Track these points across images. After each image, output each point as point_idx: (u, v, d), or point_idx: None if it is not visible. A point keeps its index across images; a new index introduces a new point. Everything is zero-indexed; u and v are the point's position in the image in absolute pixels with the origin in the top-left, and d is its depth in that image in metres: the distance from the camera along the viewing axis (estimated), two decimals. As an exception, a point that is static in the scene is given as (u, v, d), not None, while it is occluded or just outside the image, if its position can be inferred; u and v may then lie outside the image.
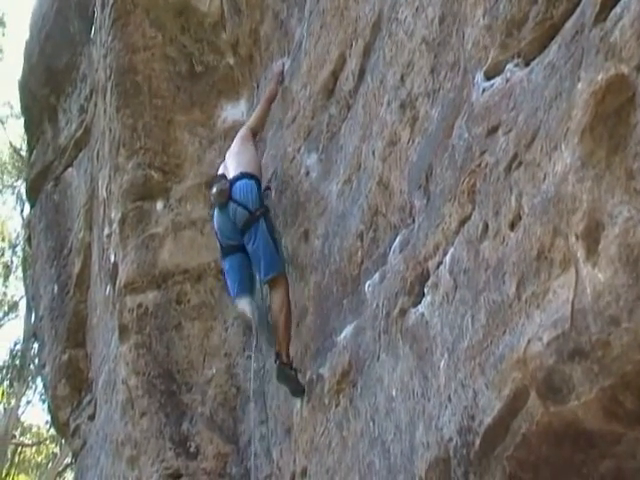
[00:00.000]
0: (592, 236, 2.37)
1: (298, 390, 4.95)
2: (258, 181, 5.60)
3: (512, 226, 2.79)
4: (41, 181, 11.06)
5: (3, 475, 20.91)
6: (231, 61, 7.30)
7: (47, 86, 10.77)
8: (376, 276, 3.99)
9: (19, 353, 21.88)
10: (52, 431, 19.12)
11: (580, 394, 2.42)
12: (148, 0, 7.65)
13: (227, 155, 6.08)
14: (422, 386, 3.32)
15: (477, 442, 2.87)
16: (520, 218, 2.74)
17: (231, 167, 5.77)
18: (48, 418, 16.33)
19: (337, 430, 4.26)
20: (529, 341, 2.58)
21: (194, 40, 7.56)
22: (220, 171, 6.00)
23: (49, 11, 10.43)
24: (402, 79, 3.91)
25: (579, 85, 2.46)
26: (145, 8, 7.65)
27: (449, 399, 3.07)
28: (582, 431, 2.53)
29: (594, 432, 2.52)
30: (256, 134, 6.20)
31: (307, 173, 5.21)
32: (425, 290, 3.42)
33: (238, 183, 5.54)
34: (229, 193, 5.51)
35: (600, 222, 2.34)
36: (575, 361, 2.41)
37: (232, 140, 6.38)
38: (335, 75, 4.90)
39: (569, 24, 2.65)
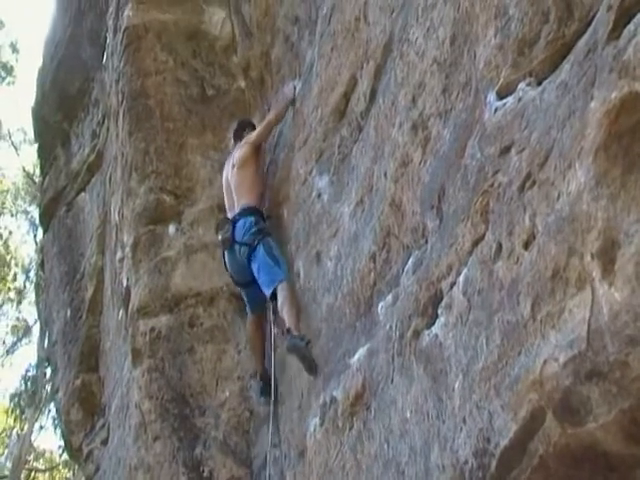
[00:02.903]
0: (608, 255, 2.34)
1: (311, 364, 5.02)
2: (257, 211, 6.18)
3: (526, 246, 2.77)
4: (54, 206, 11.12)
5: (17, 500, 20.89)
6: (242, 84, 7.33)
7: (60, 112, 10.85)
8: (389, 297, 3.96)
9: (32, 378, 21.89)
10: (65, 456, 19.06)
11: (598, 416, 2.38)
12: (159, 25, 7.71)
13: (230, 175, 6.56)
14: (437, 408, 3.28)
15: (493, 464, 2.84)
16: (534, 238, 2.72)
17: (235, 197, 6.40)
18: (61, 443, 16.34)
19: (351, 453, 4.22)
20: (545, 362, 2.55)
21: (205, 64, 7.61)
22: (224, 187, 6.61)
23: (62, 38, 10.53)
24: (414, 100, 3.91)
25: (592, 104, 2.45)
26: (156, 33, 7.71)
27: (464, 421, 3.03)
28: (601, 453, 2.49)
29: (613, 455, 2.48)
30: (259, 147, 6.58)
31: (319, 195, 5.20)
32: (439, 311, 3.39)
33: (239, 223, 6.18)
34: (232, 238, 6.16)
35: (616, 241, 2.32)
36: (592, 382, 2.37)
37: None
38: (346, 97, 4.90)
39: (581, 43, 2.64)
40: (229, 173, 6.59)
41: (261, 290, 6.00)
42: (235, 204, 6.36)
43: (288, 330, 5.33)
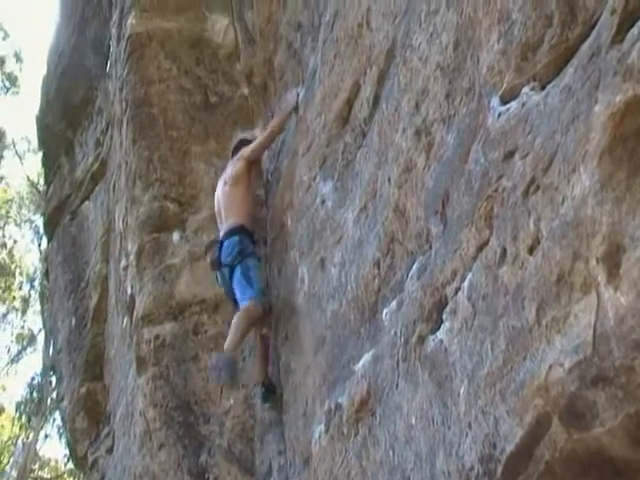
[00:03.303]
0: (613, 259, 2.33)
1: (235, 377, 5.63)
2: (242, 230, 6.25)
3: (531, 251, 2.75)
4: (58, 215, 11.14)
5: (22, 509, 20.86)
6: (245, 91, 7.35)
7: (64, 120, 10.87)
8: (393, 303, 3.95)
9: (37, 387, 21.90)
10: (70, 465, 19.05)
11: (604, 421, 2.37)
12: (163, 33, 7.73)
13: (220, 193, 6.59)
14: (442, 414, 3.27)
15: (499, 470, 2.82)
16: (539, 242, 2.70)
17: (224, 216, 6.45)
18: (66, 452, 16.31)
19: (356, 459, 4.20)
20: (550, 367, 2.53)
21: (209, 71, 7.63)
22: (215, 205, 6.63)
23: (66, 47, 10.57)
24: (417, 105, 3.90)
25: (596, 107, 2.44)
26: (160, 41, 7.73)
27: (470, 427, 3.02)
28: (608, 459, 2.47)
29: (620, 460, 2.46)
30: (254, 162, 6.60)
31: (323, 201, 5.19)
32: (443, 317, 3.38)
33: (225, 244, 6.22)
34: (219, 261, 6.25)
35: (621, 245, 2.31)
36: (598, 387, 2.36)
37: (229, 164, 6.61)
38: (349, 103, 4.89)
39: (585, 46, 2.63)
40: (220, 191, 6.58)
41: None
42: (223, 223, 6.41)
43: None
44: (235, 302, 6.37)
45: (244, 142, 6.86)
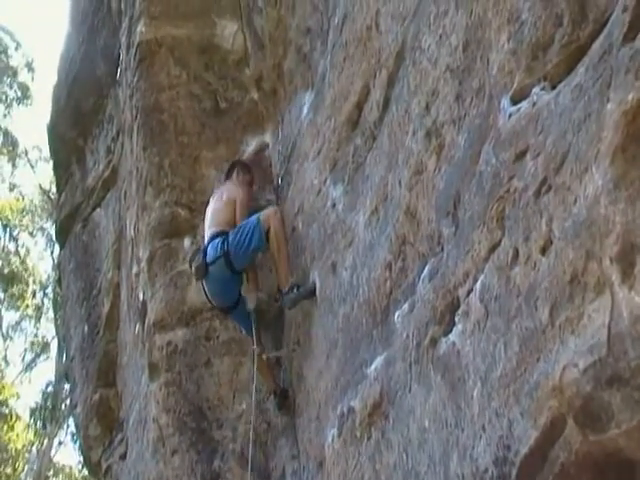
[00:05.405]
0: (627, 259, 2.31)
1: (310, 294, 5.48)
2: (225, 232, 6.19)
3: (543, 251, 2.74)
4: (70, 222, 11.16)
5: (36, 516, 20.93)
6: (255, 96, 7.35)
7: (75, 129, 10.91)
8: (405, 306, 3.94)
9: (51, 394, 21.97)
10: (84, 471, 19.08)
11: (620, 422, 2.34)
12: (172, 39, 7.76)
13: (213, 205, 6.61)
14: (455, 416, 3.25)
15: (513, 473, 2.80)
16: (551, 243, 2.69)
17: (209, 225, 6.44)
18: (80, 458, 16.34)
19: (370, 463, 4.19)
20: (564, 368, 2.51)
21: (218, 77, 7.64)
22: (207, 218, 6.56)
23: (76, 55, 10.61)
24: (427, 107, 3.89)
25: (609, 106, 2.42)
26: (169, 48, 7.75)
27: (483, 429, 3.00)
28: (624, 460, 2.45)
29: (636, 462, 2.44)
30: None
31: (333, 205, 5.19)
32: (456, 319, 3.37)
33: (209, 249, 6.19)
34: (205, 267, 6.16)
35: (635, 244, 2.28)
36: (614, 388, 2.34)
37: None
38: (359, 106, 4.89)
39: (596, 45, 2.61)
40: (213, 204, 6.59)
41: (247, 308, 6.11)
42: (207, 232, 6.38)
43: (279, 291, 5.85)
44: (228, 309, 6.36)
45: (235, 164, 6.98)
